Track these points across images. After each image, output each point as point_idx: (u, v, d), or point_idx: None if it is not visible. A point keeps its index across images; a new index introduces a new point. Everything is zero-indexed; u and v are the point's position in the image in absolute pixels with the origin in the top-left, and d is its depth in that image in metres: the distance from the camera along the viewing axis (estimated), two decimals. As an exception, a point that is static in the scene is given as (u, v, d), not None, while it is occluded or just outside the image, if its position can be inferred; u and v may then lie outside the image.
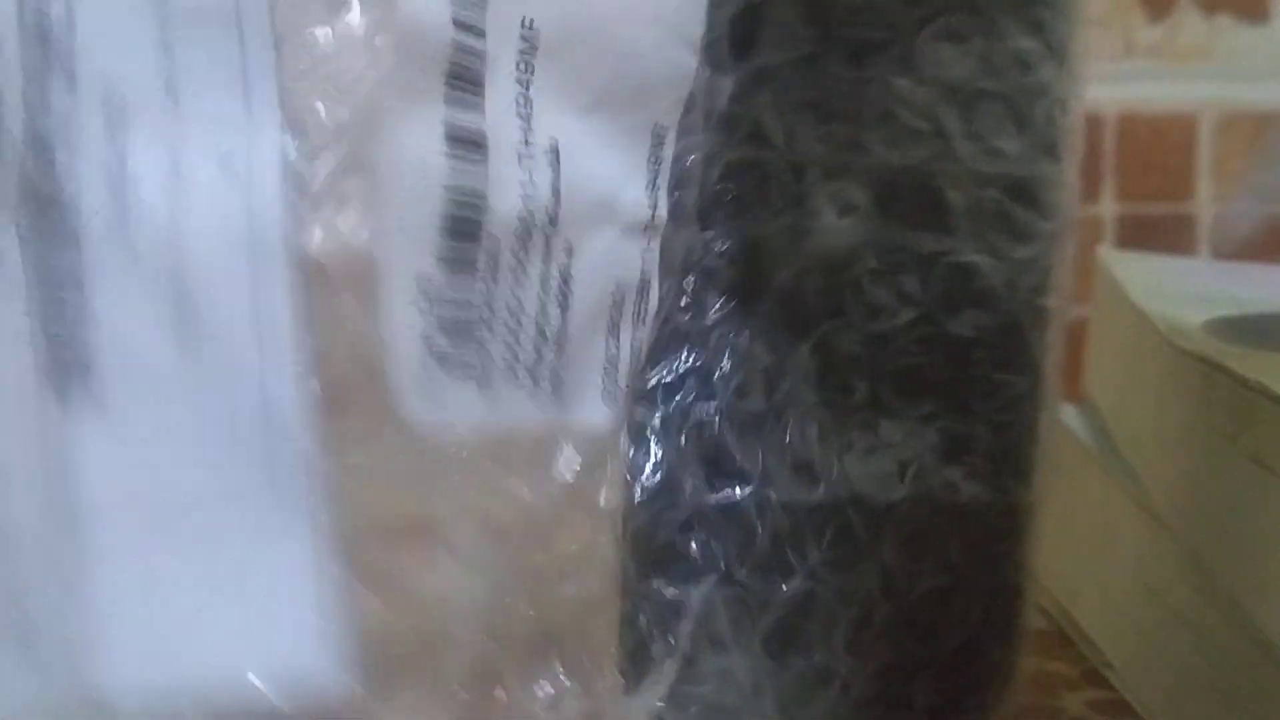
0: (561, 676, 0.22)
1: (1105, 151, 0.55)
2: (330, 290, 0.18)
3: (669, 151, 0.22)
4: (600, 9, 0.21)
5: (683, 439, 0.25)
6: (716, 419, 0.25)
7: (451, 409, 0.20)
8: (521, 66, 0.20)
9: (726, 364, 0.25)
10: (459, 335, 0.20)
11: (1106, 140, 0.55)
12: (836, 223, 0.25)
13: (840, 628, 0.26)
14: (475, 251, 0.20)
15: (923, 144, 0.26)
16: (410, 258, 0.19)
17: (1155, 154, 0.55)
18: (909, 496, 0.26)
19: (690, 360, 0.25)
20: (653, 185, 0.22)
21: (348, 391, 0.19)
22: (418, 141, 0.19)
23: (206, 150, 0.18)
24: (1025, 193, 0.26)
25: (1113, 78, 0.55)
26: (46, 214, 0.18)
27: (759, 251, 0.25)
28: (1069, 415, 0.39)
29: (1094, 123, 0.55)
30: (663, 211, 0.23)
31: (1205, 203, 0.55)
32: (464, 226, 0.20)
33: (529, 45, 0.20)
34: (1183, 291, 0.36)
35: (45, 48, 0.18)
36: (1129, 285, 0.36)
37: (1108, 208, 0.55)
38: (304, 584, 0.18)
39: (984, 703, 0.28)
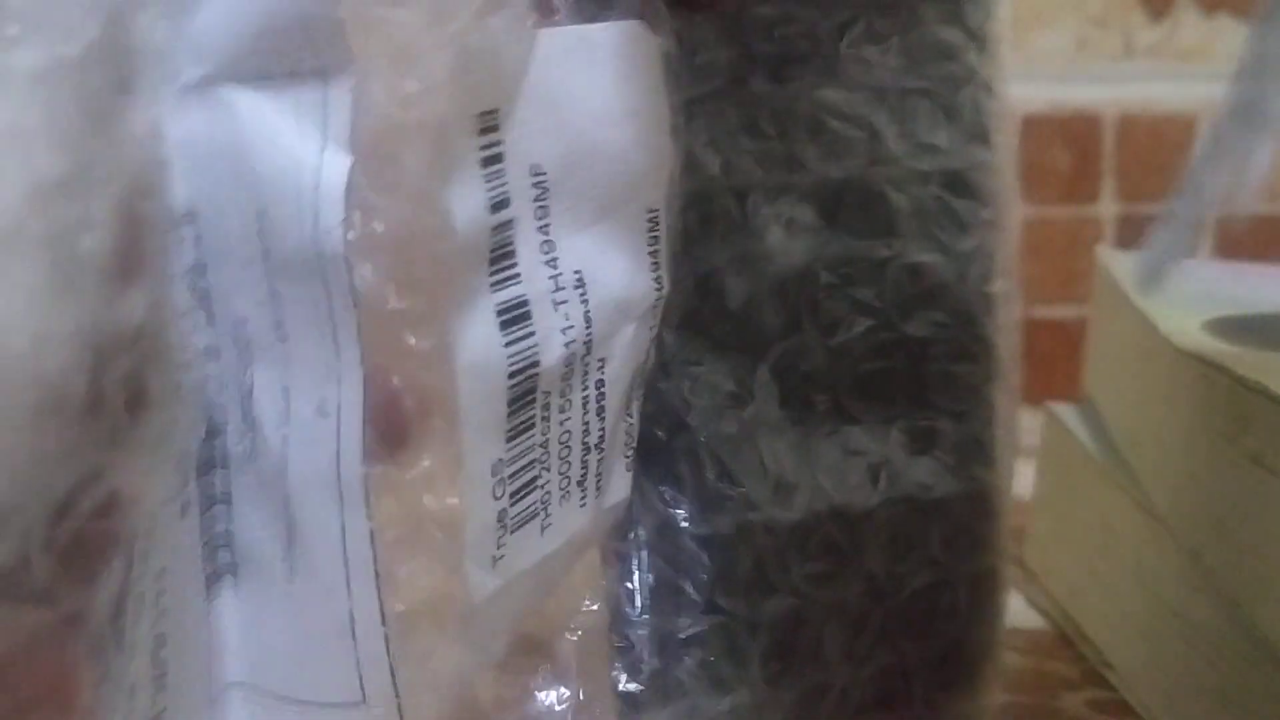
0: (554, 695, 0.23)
1: (1105, 151, 0.55)
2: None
3: (663, 227, 0.23)
4: (588, 124, 0.21)
5: (656, 471, 0.25)
6: (687, 447, 0.25)
7: (516, 562, 0.22)
8: (539, 214, 0.21)
9: (690, 393, 0.25)
10: (524, 492, 0.22)
11: (1106, 140, 0.55)
12: (785, 243, 0.25)
13: (833, 639, 0.26)
14: (533, 411, 0.21)
15: (858, 151, 0.26)
16: (484, 450, 0.21)
17: (1155, 154, 0.55)
18: (885, 500, 0.26)
19: (655, 392, 0.25)
20: (655, 265, 0.23)
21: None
22: (480, 340, 0.21)
23: (308, 391, 0.19)
24: (962, 183, 0.27)
25: (1112, 78, 0.55)
26: (209, 440, 0.20)
27: (712, 281, 0.25)
28: (1069, 415, 0.39)
29: (1094, 122, 0.55)
30: (667, 284, 0.23)
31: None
32: (524, 397, 0.21)
33: (541, 190, 0.21)
34: (1182, 292, 0.35)
35: (189, 284, 0.19)
36: (1129, 285, 0.36)
37: (1107, 208, 0.55)
38: None
39: (974, 683, 0.28)
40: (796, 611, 0.25)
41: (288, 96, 0.19)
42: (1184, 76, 0.55)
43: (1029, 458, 0.41)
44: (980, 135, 0.27)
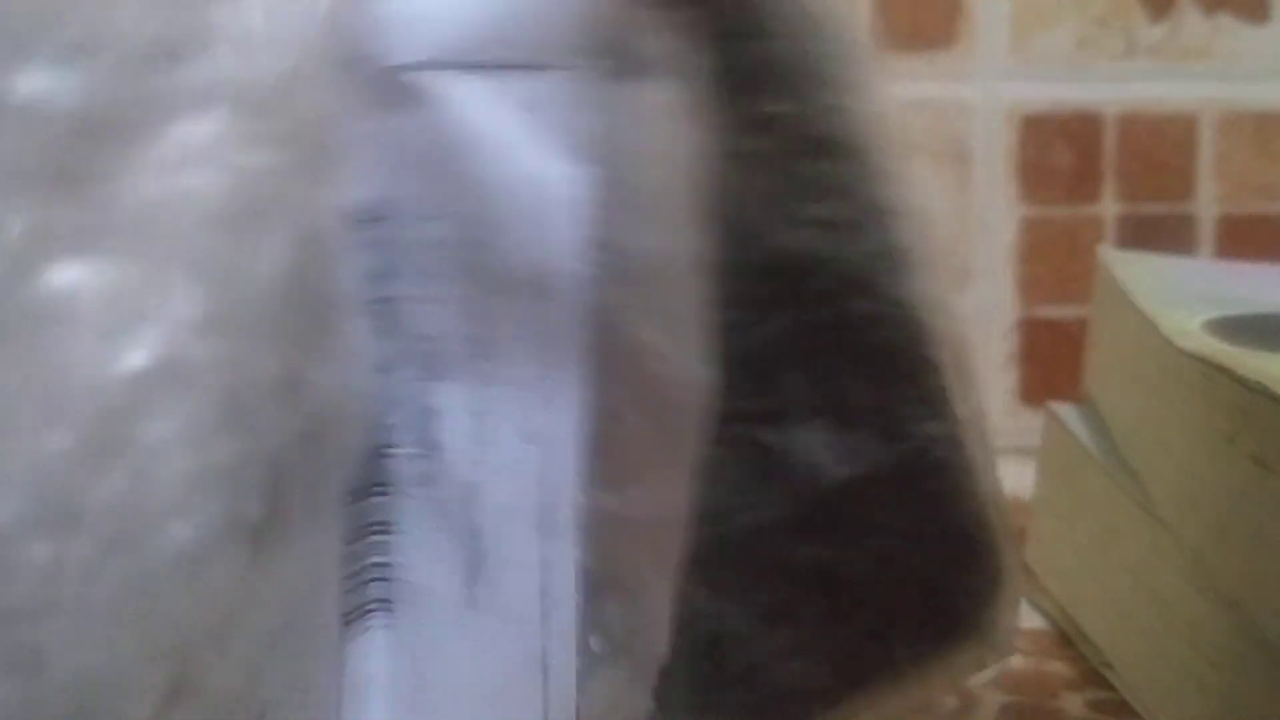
0: None
1: (1106, 151, 0.55)
2: None
3: None
4: None
5: None
6: None
7: None
8: None
9: None
10: None
11: (1107, 140, 0.55)
12: None
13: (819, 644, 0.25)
14: None
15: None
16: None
17: (1156, 153, 0.55)
18: (840, 485, 0.25)
19: None
20: None
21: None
22: None
23: (512, 415, 0.18)
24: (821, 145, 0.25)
25: (1113, 77, 0.55)
26: (368, 463, 0.18)
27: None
28: (1069, 416, 0.39)
29: (1094, 122, 0.55)
30: None
31: (1206, 202, 0.55)
32: None
33: None
34: (1183, 291, 0.36)
35: (373, 292, 0.18)
36: (1129, 285, 0.36)
37: (1108, 207, 0.55)
38: None
39: (984, 613, 0.27)
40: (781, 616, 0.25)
41: (518, 91, 0.17)
42: (1186, 76, 0.55)
43: (1029, 458, 0.41)
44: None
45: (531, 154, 0.17)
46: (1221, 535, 0.29)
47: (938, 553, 0.26)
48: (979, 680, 0.33)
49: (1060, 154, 0.55)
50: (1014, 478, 0.46)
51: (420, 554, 0.18)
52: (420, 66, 0.17)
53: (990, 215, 0.55)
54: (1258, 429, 0.27)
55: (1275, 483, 0.27)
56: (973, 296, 0.55)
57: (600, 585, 0.19)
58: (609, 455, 0.19)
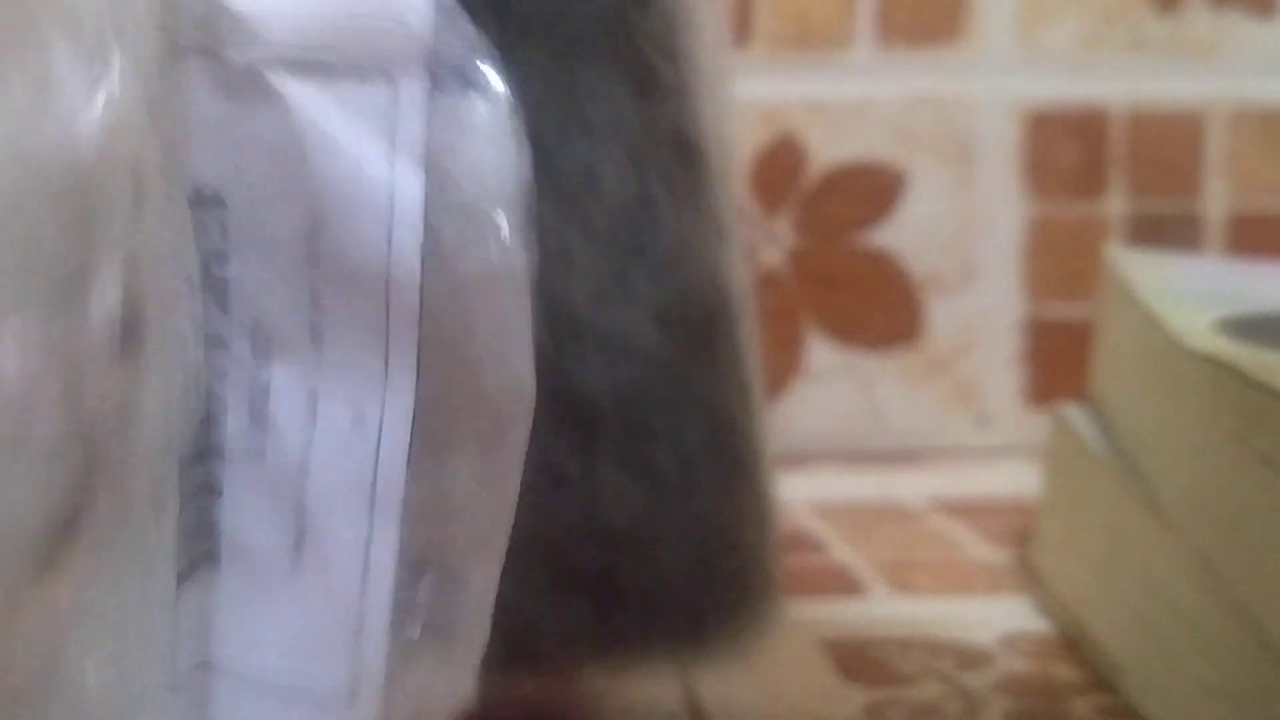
0: None
1: (1112, 148, 0.55)
2: None
3: None
4: None
5: None
6: None
7: None
8: None
9: None
10: None
11: (1114, 136, 0.55)
12: None
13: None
14: None
15: None
16: None
17: (1163, 150, 0.55)
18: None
19: None
20: None
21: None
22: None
23: (344, 400, 0.19)
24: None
25: (1120, 73, 0.55)
26: (202, 429, 0.20)
27: None
28: (1076, 417, 0.39)
29: (1101, 119, 0.55)
30: None
31: (1214, 200, 0.56)
32: None
33: None
34: (1191, 290, 0.36)
35: (207, 273, 0.19)
36: (1137, 284, 0.36)
37: (1115, 205, 0.55)
38: None
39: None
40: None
41: (352, 97, 0.18)
42: (1193, 72, 0.55)
43: (1036, 459, 0.41)
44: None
45: (366, 156, 0.18)
46: (1230, 537, 0.29)
47: (691, 558, 0.27)
48: (984, 684, 0.33)
49: (1066, 151, 0.55)
50: (1021, 479, 0.46)
51: (247, 518, 0.20)
52: (260, 63, 0.18)
53: (995, 213, 0.55)
54: (1267, 429, 0.27)
55: None
56: (978, 295, 0.55)
57: (421, 568, 0.20)
58: (437, 445, 0.20)
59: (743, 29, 0.54)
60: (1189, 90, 0.55)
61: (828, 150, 0.55)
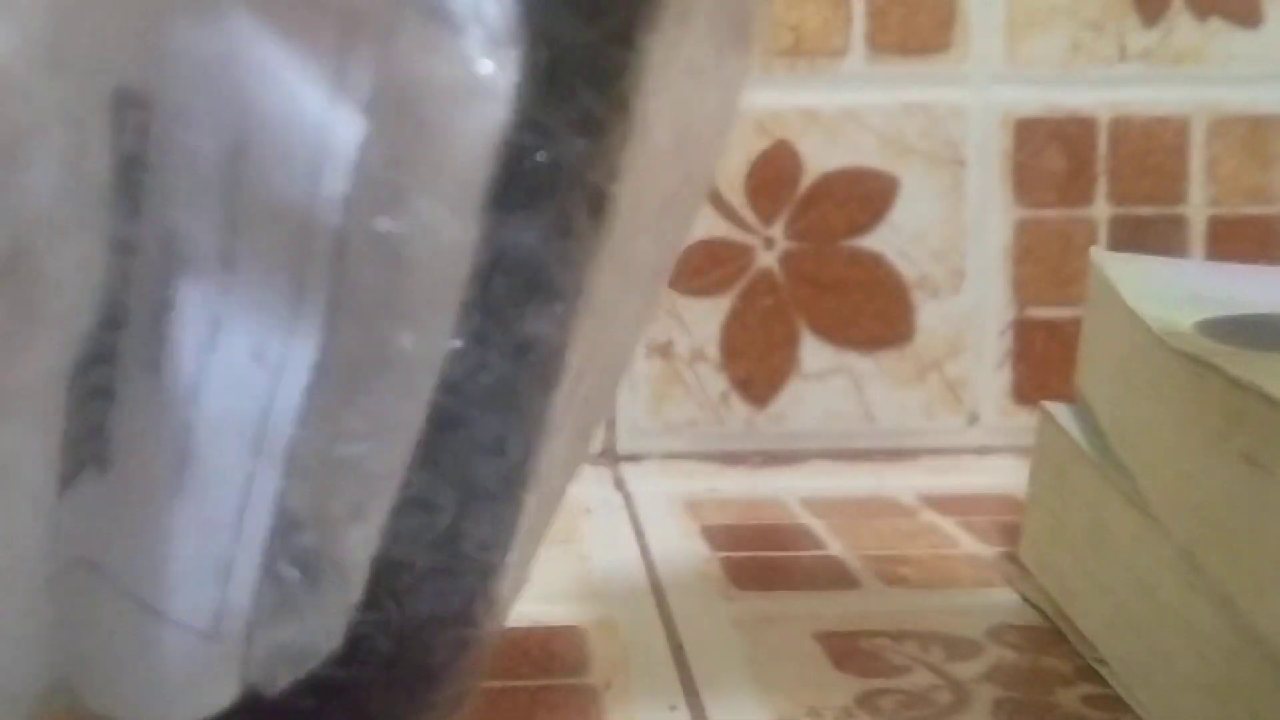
0: None
1: (1099, 154, 0.55)
2: None
3: None
4: None
5: None
6: None
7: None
8: None
9: None
10: None
11: (1099, 143, 0.55)
12: None
13: None
14: None
15: None
16: None
17: (1148, 157, 0.55)
18: None
19: None
20: None
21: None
22: None
23: (246, 332, 0.18)
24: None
25: (1106, 81, 0.55)
26: (100, 330, 0.19)
27: None
28: (1062, 414, 0.39)
29: (1087, 126, 0.55)
30: None
31: (1198, 205, 0.56)
32: None
33: None
34: (1175, 292, 0.36)
35: (122, 176, 0.18)
36: (1121, 286, 0.36)
37: (1101, 210, 0.55)
38: None
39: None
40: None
41: (303, 30, 0.17)
42: (1178, 80, 0.55)
43: (1023, 456, 0.41)
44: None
45: (305, 93, 0.17)
46: (1213, 532, 0.29)
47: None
48: (973, 674, 0.33)
49: (1053, 157, 0.55)
50: (1008, 475, 0.46)
51: (138, 428, 0.19)
52: None
53: (984, 218, 0.55)
54: (1249, 427, 0.27)
55: (1266, 481, 0.27)
56: (967, 297, 0.56)
57: (300, 518, 0.19)
58: (334, 398, 0.19)
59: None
60: (1173, 97, 0.55)
61: (821, 157, 0.55)
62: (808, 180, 0.55)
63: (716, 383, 0.55)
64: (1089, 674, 0.33)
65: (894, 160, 0.55)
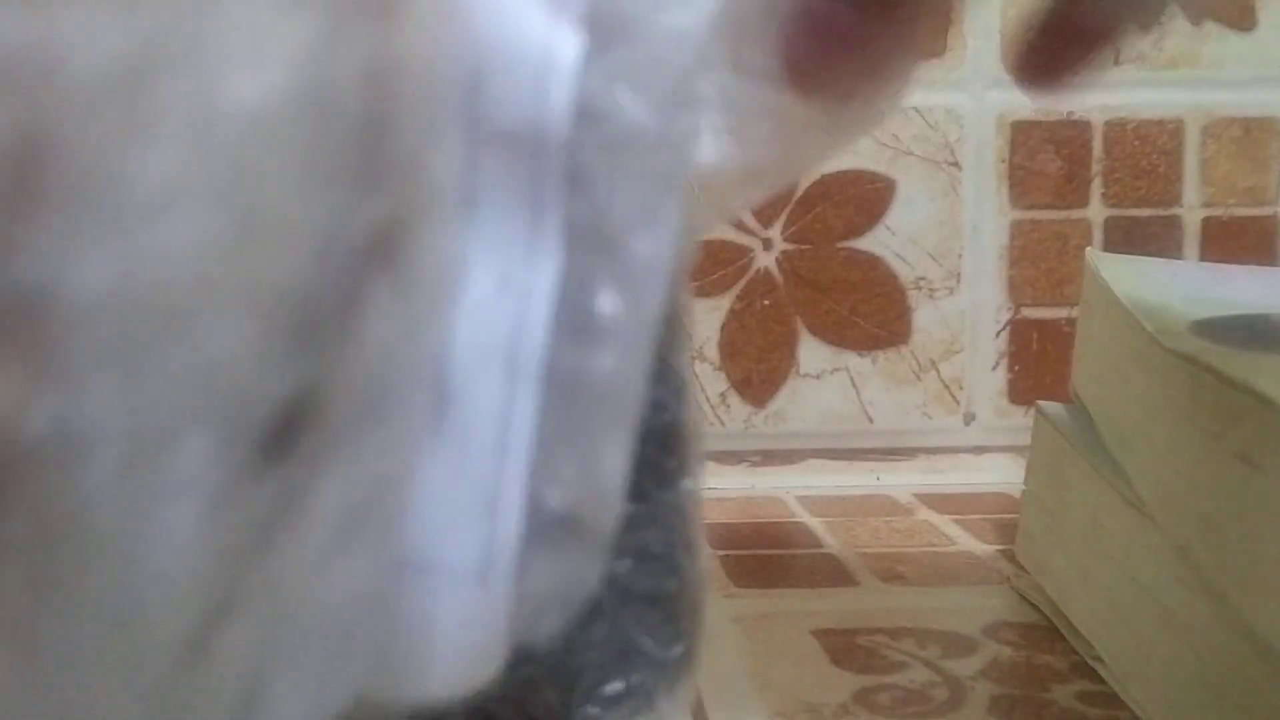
0: None
1: (1094, 156, 0.56)
2: None
3: None
4: None
5: None
6: None
7: None
8: None
9: None
10: None
11: (1095, 145, 0.55)
12: None
13: None
14: None
15: None
16: None
17: (1142, 159, 0.56)
18: None
19: None
20: None
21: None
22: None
23: (490, 263, 0.19)
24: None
25: (1101, 84, 0.55)
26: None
27: None
28: (1058, 414, 0.39)
29: (1082, 128, 0.55)
30: None
31: (1191, 206, 0.56)
32: None
33: None
34: (1170, 293, 0.36)
35: (378, 126, 0.18)
36: (1117, 286, 0.36)
37: (1096, 211, 0.56)
38: None
39: None
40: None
41: None
42: (1172, 83, 0.55)
43: (1020, 456, 0.42)
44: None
45: (526, 16, 0.18)
46: (1207, 530, 0.29)
47: None
48: (969, 671, 0.33)
49: (1049, 159, 0.55)
50: (1005, 474, 0.46)
51: (389, 373, 0.18)
52: None
53: (981, 220, 0.56)
54: (1243, 427, 0.27)
55: (1260, 479, 0.27)
56: (964, 298, 0.56)
57: (558, 442, 0.19)
58: (579, 318, 0.19)
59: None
60: (1168, 100, 0.55)
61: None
62: (807, 183, 0.55)
63: (716, 382, 0.55)
64: (1084, 670, 0.33)
65: (891, 163, 0.55)
